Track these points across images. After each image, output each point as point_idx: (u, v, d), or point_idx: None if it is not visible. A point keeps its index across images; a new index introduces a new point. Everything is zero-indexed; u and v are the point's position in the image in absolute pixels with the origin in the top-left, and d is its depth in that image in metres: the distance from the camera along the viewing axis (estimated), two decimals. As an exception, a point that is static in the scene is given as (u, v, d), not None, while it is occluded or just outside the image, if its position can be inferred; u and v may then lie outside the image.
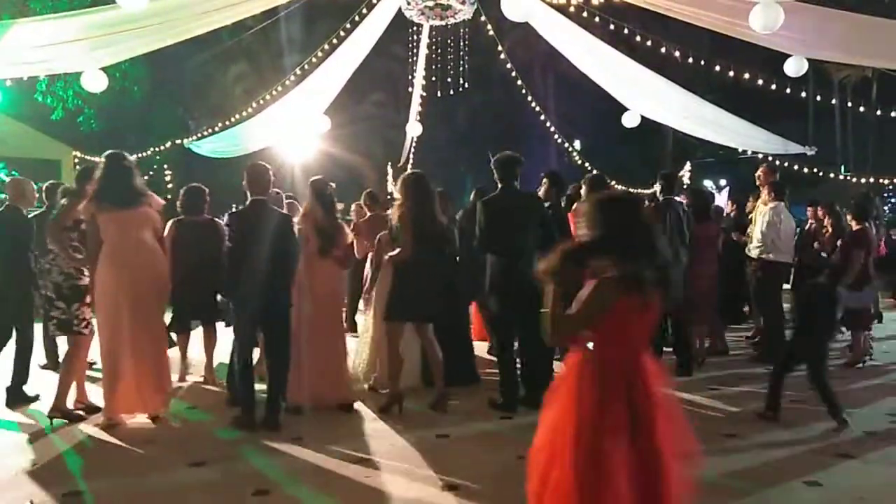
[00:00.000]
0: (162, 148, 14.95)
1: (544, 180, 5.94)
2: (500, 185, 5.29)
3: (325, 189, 5.28)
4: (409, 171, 5.72)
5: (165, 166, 16.85)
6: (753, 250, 6.89)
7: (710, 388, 5.87)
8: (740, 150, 13.78)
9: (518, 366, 5.36)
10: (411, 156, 15.52)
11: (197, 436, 4.62)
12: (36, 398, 5.43)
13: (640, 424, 2.24)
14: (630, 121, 12.12)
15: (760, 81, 10.64)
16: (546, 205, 5.68)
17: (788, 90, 10.37)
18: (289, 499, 3.56)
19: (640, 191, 11.65)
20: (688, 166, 15.59)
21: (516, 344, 5.37)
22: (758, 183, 7.48)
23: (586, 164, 14.88)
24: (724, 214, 8.62)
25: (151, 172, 16.37)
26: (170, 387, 5.16)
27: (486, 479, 3.76)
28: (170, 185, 16.71)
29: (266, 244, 4.63)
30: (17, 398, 5.42)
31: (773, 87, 10.56)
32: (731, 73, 10.60)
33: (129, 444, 4.42)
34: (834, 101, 19.91)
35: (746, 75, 10.42)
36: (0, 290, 5.54)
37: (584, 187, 6.38)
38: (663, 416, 2.30)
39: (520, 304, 4.97)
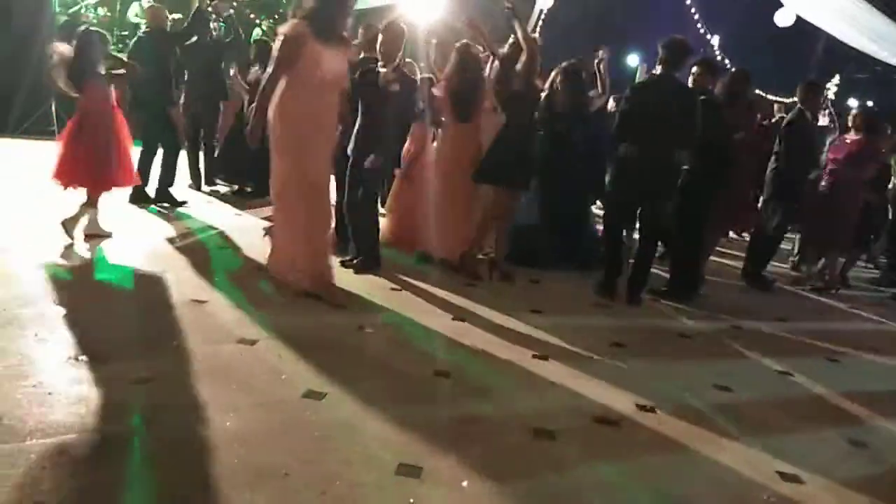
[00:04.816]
0: (294, -7, 14.88)
1: (695, 68, 5.39)
2: (658, 70, 4.98)
3: (470, 53, 5.36)
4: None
5: (291, 11, 16.83)
6: None
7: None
8: (900, 68, 12.41)
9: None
10: (538, 31, 14.82)
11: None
12: (183, 203, 6.55)
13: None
14: (783, 19, 11.08)
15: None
16: (702, 96, 5.19)
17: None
18: (391, 336, 3.78)
19: (778, 99, 10.78)
20: (836, 79, 14.20)
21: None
22: None
23: (725, 61, 13.82)
24: None
25: (277, 16, 16.43)
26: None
27: (575, 355, 3.84)
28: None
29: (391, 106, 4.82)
30: (164, 196, 6.59)
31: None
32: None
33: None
34: None
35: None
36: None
37: (725, 82, 5.94)
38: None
39: (646, 196, 5.01)
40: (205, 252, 5.18)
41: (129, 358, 3.09)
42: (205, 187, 7.85)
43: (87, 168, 4.84)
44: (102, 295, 3.97)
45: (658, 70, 4.99)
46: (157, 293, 4.06)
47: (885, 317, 5.84)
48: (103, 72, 5.01)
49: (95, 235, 4.99)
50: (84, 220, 4.96)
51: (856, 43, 11.62)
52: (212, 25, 7.90)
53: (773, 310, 5.51)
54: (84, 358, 3.03)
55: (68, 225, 4.82)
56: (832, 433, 3.29)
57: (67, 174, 4.85)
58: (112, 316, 3.62)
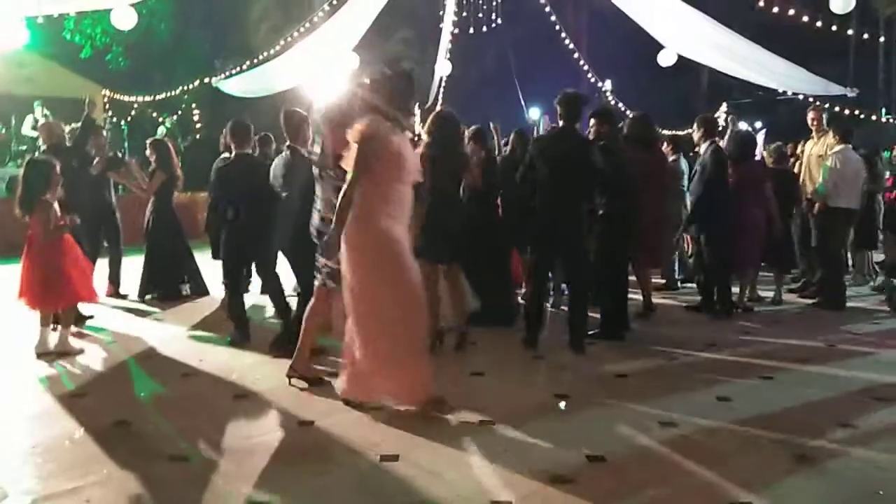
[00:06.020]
0: (189, 87, 14.92)
1: (591, 120, 5.63)
2: (560, 125, 5.24)
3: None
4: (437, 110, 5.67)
5: (193, 105, 16.81)
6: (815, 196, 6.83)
7: (745, 334, 5.88)
8: (779, 90, 13.35)
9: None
10: (440, 96, 15.31)
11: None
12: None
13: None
14: (666, 59, 11.82)
15: (805, 18, 10.28)
16: (602, 143, 5.40)
17: (834, 28, 10.00)
18: (332, 426, 3.66)
19: (675, 132, 11.37)
20: (724, 107, 15.15)
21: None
22: (811, 126, 7.34)
23: (620, 105, 14.54)
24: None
25: (179, 112, 16.39)
26: None
27: (521, 415, 3.81)
28: (198, 125, 16.72)
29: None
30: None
31: (819, 24, 10.20)
32: (775, 10, 10.22)
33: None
34: (882, 39, 18.82)
35: (791, 11, 10.05)
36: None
37: (628, 128, 6.24)
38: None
39: (561, 250, 5.15)
40: (124, 367, 4.91)
41: (58, 496, 2.89)
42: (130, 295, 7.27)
43: (37, 289, 5.09)
44: (23, 425, 3.72)
45: (559, 124, 5.27)
46: (79, 419, 3.81)
47: (806, 328, 6.09)
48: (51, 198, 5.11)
49: (65, 353, 5.07)
50: (51, 338, 5.14)
51: (734, 72, 12.47)
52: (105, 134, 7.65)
53: (701, 337, 5.65)
54: (7, 502, 2.81)
55: (40, 349, 5.01)
56: (778, 451, 3.36)
57: (29, 294, 5.11)
58: (35, 448, 3.39)
